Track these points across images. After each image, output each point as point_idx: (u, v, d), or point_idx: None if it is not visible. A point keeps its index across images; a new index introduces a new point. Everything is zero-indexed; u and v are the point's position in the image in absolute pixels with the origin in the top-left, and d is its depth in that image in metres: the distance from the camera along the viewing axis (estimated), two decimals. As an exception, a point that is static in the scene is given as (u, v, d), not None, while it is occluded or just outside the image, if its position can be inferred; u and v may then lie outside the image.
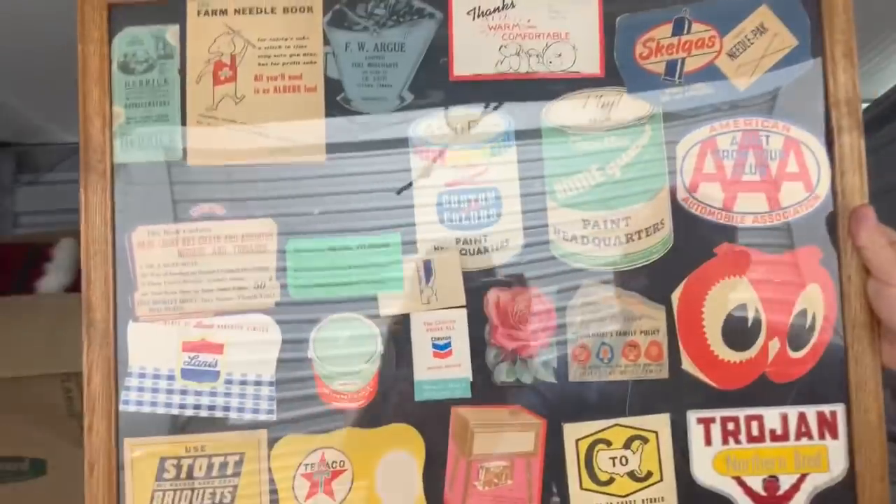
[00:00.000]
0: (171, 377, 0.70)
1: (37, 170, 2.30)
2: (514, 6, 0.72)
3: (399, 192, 0.71)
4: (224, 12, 0.72)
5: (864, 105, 2.12)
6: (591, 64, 0.72)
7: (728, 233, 0.71)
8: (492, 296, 0.71)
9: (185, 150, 0.72)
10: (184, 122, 0.72)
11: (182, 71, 0.72)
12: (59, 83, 1.65)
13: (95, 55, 0.71)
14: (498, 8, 0.72)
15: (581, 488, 0.70)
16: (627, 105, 0.72)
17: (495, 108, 0.72)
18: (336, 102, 0.72)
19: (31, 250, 1.93)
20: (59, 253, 1.87)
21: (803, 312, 0.71)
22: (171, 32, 0.72)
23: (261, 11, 0.72)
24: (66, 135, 2.16)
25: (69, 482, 1.62)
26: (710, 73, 0.72)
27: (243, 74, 0.72)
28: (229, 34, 0.72)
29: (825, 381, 0.71)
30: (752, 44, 0.72)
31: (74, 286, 1.81)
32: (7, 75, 1.71)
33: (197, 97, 0.72)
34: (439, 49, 0.72)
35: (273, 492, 0.70)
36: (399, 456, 0.70)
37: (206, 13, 0.72)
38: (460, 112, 0.72)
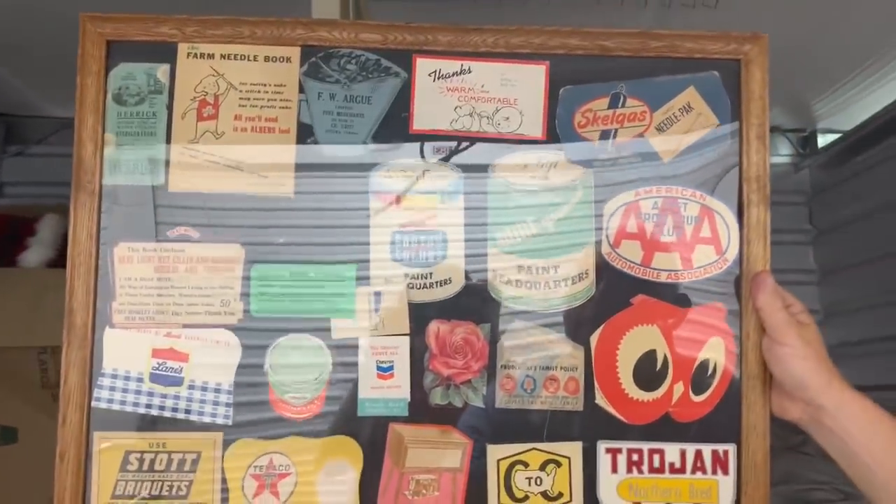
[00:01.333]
0: (140, 380, 0.78)
1: (25, 142, 2.35)
2: (470, 72, 0.81)
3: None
4: (211, 56, 0.81)
5: (836, 136, 2.22)
6: (534, 128, 0.81)
7: (644, 286, 0.81)
8: (433, 327, 0.80)
9: (167, 177, 0.80)
10: (168, 152, 0.80)
11: (170, 106, 0.80)
12: (52, 58, 1.70)
13: (93, 87, 0.80)
14: (456, 72, 0.81)
15: (499, 503, 0.79)
16: (564, 167, 0.81)
17: (446, 159, 0.81)
18: (306, 144, 0.81)
19: (15, 223, 1.97)
20: (42, 228, 1.91)
21: (706, 361, 0.81)
22: (161, 70, 0.81)
23: (244, 58, 0.81)
24: (56, 109, 2.20)
25: (39, 450, 1.68)
26: (640, 144, 0.82)
27: (224, 113, 0.80)
28: (214, 76, 0.81)
29: (721, 424, 0.80)
30: (678, 120, 0.82)
31: (56, 261, 1.87)
32: (0, 47, 1.76)
33: (181, 130, 0.80)
34: (402, 104, 0.81)
35: (224, 489, 0.78)
36: (339, 464, 0.79)
37: (195, 56, 0.81)
38: (416, 162, 0.81)
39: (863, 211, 1.85)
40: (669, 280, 0.81)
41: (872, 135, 1.93)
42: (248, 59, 0.81)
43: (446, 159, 0.81)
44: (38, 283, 1.75)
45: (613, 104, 0.82)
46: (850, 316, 1.90)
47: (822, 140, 2.28)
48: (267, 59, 0.81)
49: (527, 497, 0.79)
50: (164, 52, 0.81)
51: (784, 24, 1.26)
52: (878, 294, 1.75)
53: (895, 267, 1.72)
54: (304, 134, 0.81)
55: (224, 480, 0.78)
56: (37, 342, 1.76)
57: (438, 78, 0.81)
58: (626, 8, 1.44)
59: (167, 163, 0.80)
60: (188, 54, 0.81)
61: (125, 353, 0.79)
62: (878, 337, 1.78)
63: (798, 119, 2.22)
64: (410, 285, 0.80)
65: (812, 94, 2.03)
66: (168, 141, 0.80)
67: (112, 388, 0.78)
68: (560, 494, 0.79)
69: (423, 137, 0.81)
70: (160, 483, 0.78)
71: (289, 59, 0.81)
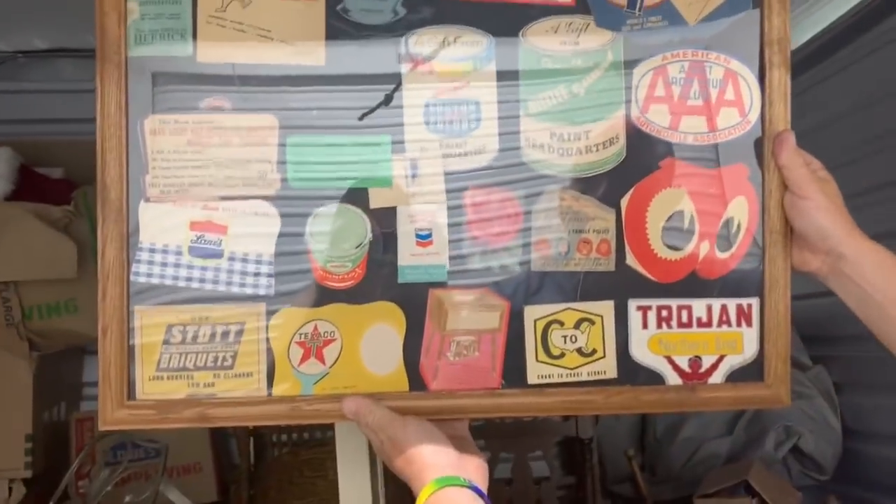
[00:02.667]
0: (178, 253, 0.78)
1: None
2: (499, -64, 0.81)
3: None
4: (234, -79, 0.78)
5: None
6: (564, -7, 0.82)
7: (672, 149, 0.83)
8: (469, 194, 0.81)
9: (195, 47, 0.78)
10: (195, 22, 0.78)
11: (194, -27, 0.78)
12: None
13: (112, -47, 0.77)
14: (485, -64, 0.81)
15: (536, 360, 0.82)
16: (593, 32, 0.82)
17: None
18: (336, 12, 0.80)
19: (-35, 159, 1.88)
20: None
21: (730, 220, 0.84)
22: (184, -64, 0.78)
23: (269, -77, 0.79)
24: None
25: (7, 390, 1.66)
26: (666, 8, 0.83)
27: (251, -19, 0.79)
28: (239, -58, 0.78)
29: (745, 279, 0.84)
30: (702, -16, 0.83)
31: (13, 196, 1.81)
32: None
33: (207, -1, 0.78)
34: (432, -31, 0.80)
35: (270, 357, 0.79)
36: (383, 329, 0.80)
37: (218, -79, 0.78)
38: (448, 28, 0.80)
39: (814, 124, 1.91)
40: (696, 142, 0.83)
41: (820, 51, 1.99)
42: (273, -76, 0.79)
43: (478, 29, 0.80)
44: (-4, 217, 1.67)
45: (640, -32, 0.82)
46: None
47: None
48: (292, -77, 0.79)
49: (563, 354, 0.82)
50: (186, -83, 0.78)
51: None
52: None
53: (843, 178, 1.80)
54: (333, 0, 0.79)
55: (269, 350, 0.79)
56: (-3, 277, 1.70)
57: (467, -57, 0.80)
58: None
59: (194, 32, 0.78)
60: (210, -81, 0.78)
61: (162, 226, 0.78)
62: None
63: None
64: (445, 154, 0.81)
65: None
66: (194, 10, 0.78)
67: (150, 262, 0.78)
68: (594, 350, 0.83)
69: (454, 3, 0.81)
70: (205, 355, 0.79)
71: (314, -75, 0.79)
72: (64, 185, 1.90)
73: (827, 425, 1.91)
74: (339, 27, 0.80)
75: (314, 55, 0.79)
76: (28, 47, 2.12)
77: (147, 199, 0.78)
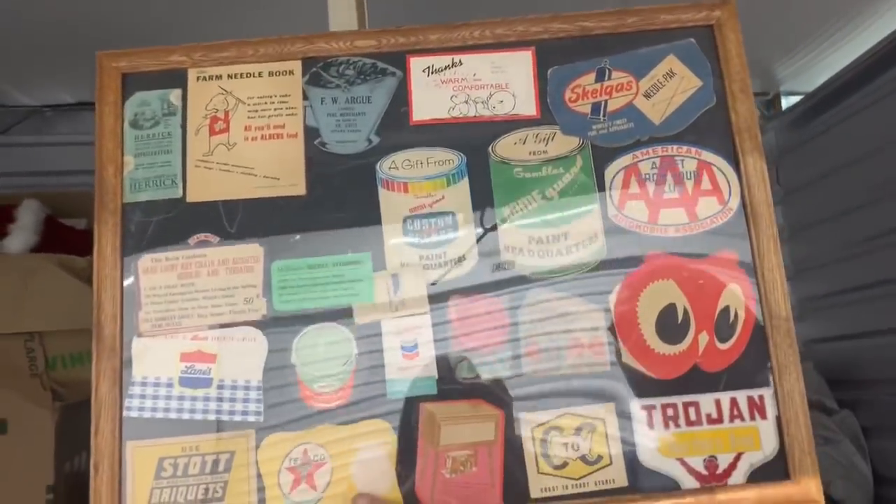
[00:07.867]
0: (170, 385, 0.79)
1: (-9, 132, 2.33)
2: (461, 64, 0.86)
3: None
4: (219, 77, 0.86)
5: (798, 97, 2.23)
6: (528, 107, 0.85)
7: (654, 243, 0.82)
8: (453, 303, 0.81)
9: (184, 190, 0.84)
10: (184, 167, 0.84)
11: (183, 125, 0.85)
12: (16, 44, 1.71)
13: (111, 115, 0.85)
14: (448, 66, 0.86)
15: (538, 472, 0.77)
16: (560, 140, 0.85)
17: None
18: (314, 146, 0.85)
19: (-7, 212, 1.94)
20: (22, 213, 1.89)
21: (727, 308, 0.81)
22: (174, 94, 0.86)
23: (250, 75, 0.86)
24: (23, 97, 2.16)
25: (29, 440, 1.62)
26: (630, 111, 0.85)
27: (235, 126, 0.85)
28: (223, 94, 0.86)
29: (751, 368, 0.80)
30: (663, 86, 0.86)
31: (39, 247, 1.85)
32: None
33: (196, 146, 0.85)
34: (400, 100, 0.86)
35: (260, 486, 0.77)
36: (374, 449, 0.78)
37: (204, 78, 0.86)
38: (420, 152, 0.84)
39: (826, 169, 1.87)
40: (678, 234, 0.82)
41: (832, 95, 1.97)
42: (254, 76, 0.87)
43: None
44: (22, 269, 1.69)
45: (600, 78, 0.86)
46: (818, 271, 1.89)
47: (786, 102, 2.31)
48: (271, 73, 0.87)
49: (566, 463, 0.78)
50: (176, 78, 0.87)
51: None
52: (842, 248, 1.76)
53: (857, 221, 1.74)
54: (311, 136, 0.85)
55: (259, 477, 0.77)
56: (22, 328, 1.72)
57: (432, 73, 0.86)
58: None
59: (184, 176, 0.84)
60: (198, 78, 0.86)
61: (154, 360, 0.80)
62: (843, 289, 1.77)
63: (761, 83, 2.28)
64: (426, 265, 0.82)
65: (774, 58, 2.09)
66: (184, 156, 0.84)
67: (143, 396, 0.79)
68: (599, 457, 0.78)
69: (423, 127, 0.85)
70: (195, 487, 0.77)
71: (291, 72, 0.87)
72: (88, 235, 1.92)
73: (856, 470, 1.72)
74: (318, 159, 0.84)
75: (296, 186, 0.84)
76: (55, 101, 2.23)
77: (140, 335, 0.80)
